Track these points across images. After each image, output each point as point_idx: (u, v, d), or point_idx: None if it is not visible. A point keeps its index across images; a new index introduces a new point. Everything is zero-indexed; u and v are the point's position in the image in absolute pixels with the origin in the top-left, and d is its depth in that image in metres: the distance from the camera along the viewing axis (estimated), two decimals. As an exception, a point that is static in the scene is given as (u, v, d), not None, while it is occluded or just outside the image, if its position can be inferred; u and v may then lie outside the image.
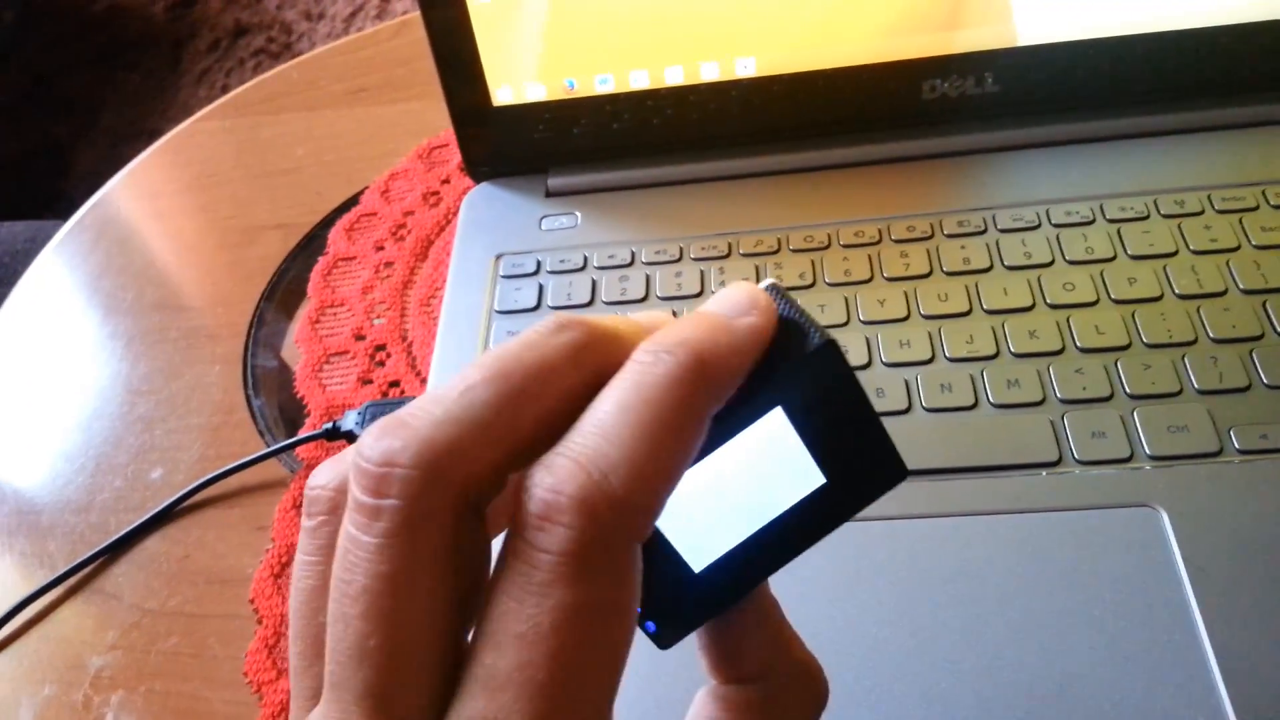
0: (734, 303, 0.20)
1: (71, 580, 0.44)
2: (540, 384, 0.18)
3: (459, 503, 0.17)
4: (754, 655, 0.21)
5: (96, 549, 0.44)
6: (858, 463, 0.21)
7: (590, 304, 0.46)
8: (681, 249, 0.48)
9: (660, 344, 0.18)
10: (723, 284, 0.46)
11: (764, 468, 0.20)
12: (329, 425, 0.46)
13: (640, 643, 0.34)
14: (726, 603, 0.21)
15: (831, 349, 0.19)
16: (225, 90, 1.81)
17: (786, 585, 0.23)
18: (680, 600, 0.21)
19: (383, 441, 0.17)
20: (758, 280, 0.32)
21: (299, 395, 0.49)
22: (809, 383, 0.20)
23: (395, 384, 0.49)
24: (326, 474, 0.19)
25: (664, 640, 0.21)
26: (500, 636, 0.16)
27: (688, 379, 0.18)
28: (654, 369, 0.18)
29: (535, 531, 0.16)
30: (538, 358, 0.18)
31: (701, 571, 0.21)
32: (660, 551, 0.20)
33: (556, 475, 0.17)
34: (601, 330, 0.19)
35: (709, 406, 0.18)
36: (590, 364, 0.19)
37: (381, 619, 0.17)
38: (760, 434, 0.20)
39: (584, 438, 0.17)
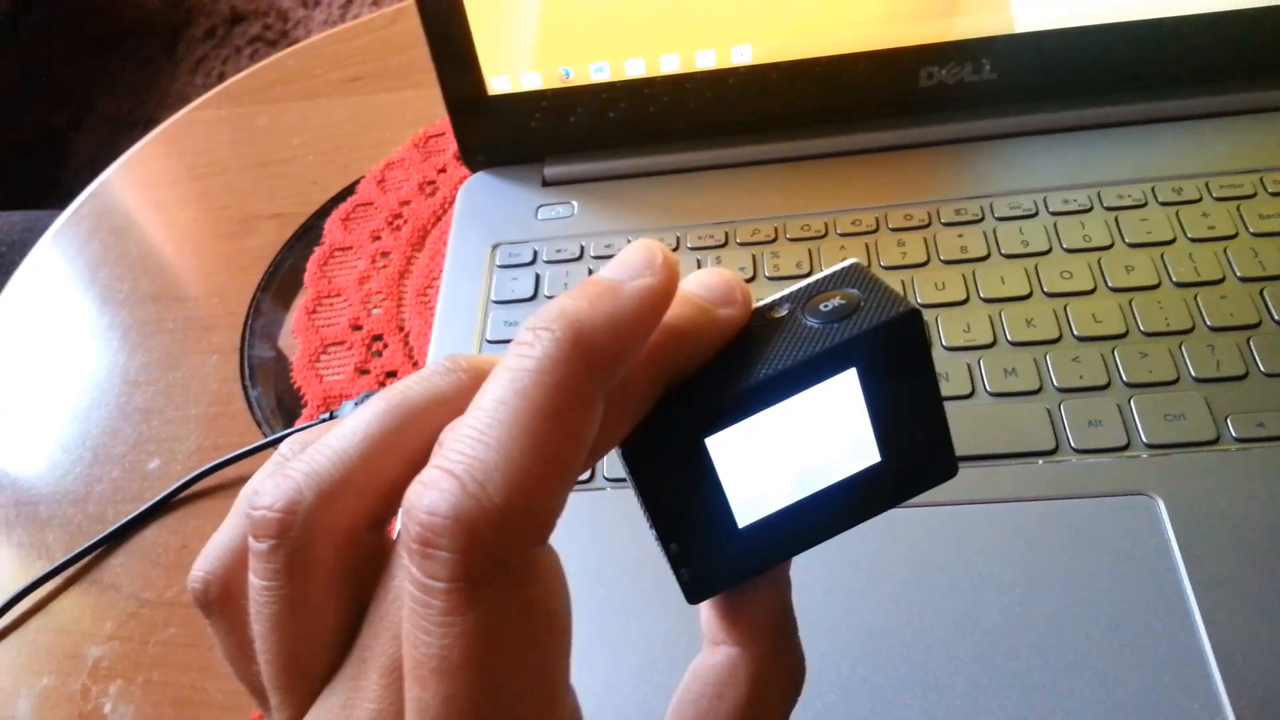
0: (628, 264, 0.19)
1: (70, 571, 0.44)
2: (423, 417, 0.19)
3: (342, 538, 0.18)
4: (753, 619, 0.21)
5: (94, 539, 0.45)
6: (913, 450, 0.21)
7: (587, 293, 0.46)
8: (678, 238, 0.48)
9: (539, 320, 0.17)
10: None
11: (825, 433, 0.20)
12: (326, 415, 0.46)
13: (634, 635, 0.33)
14: (757, 569, 0.21)
15: (916, 318, 0.19)
16: (222, 78, 1.80)
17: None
18: (717, 553, 0.20)
19: (261, 492, 0.18)
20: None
21: (296, 385, 0.49)
22: (887, 349, 0.19)
23: (392, 374, 0.49)
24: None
25: (693, 592, 0.21)
26: (421, 671, 0.16)
27: (566, 358, 0.17)
28: (530, 353, 0.17)
29: (421, 559, 0.16)
30: (422, 391, 0.19)
31: (744, 528, 0.20)
32: (712, 497, 0.20)
33: (431, 494, 0.16)
34: (489, 368, 0.19)
35: (597, 385, 0.17)
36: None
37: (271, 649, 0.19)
38: (829, 395, 0.19)
39: (461, 442, 0.16)
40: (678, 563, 0.20)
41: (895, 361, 0.19)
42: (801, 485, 0.20)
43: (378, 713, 0.17)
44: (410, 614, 0.16)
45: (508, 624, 0.16)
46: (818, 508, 0.21)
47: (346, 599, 0.19)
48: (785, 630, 0.22)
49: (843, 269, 0.21)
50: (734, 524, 0.20)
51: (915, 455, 0.21)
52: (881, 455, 0.20)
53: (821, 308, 0.20)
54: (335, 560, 0.18)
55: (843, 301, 0.20)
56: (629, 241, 0.48)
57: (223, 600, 0.20)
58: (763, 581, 0.21)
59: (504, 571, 0.16)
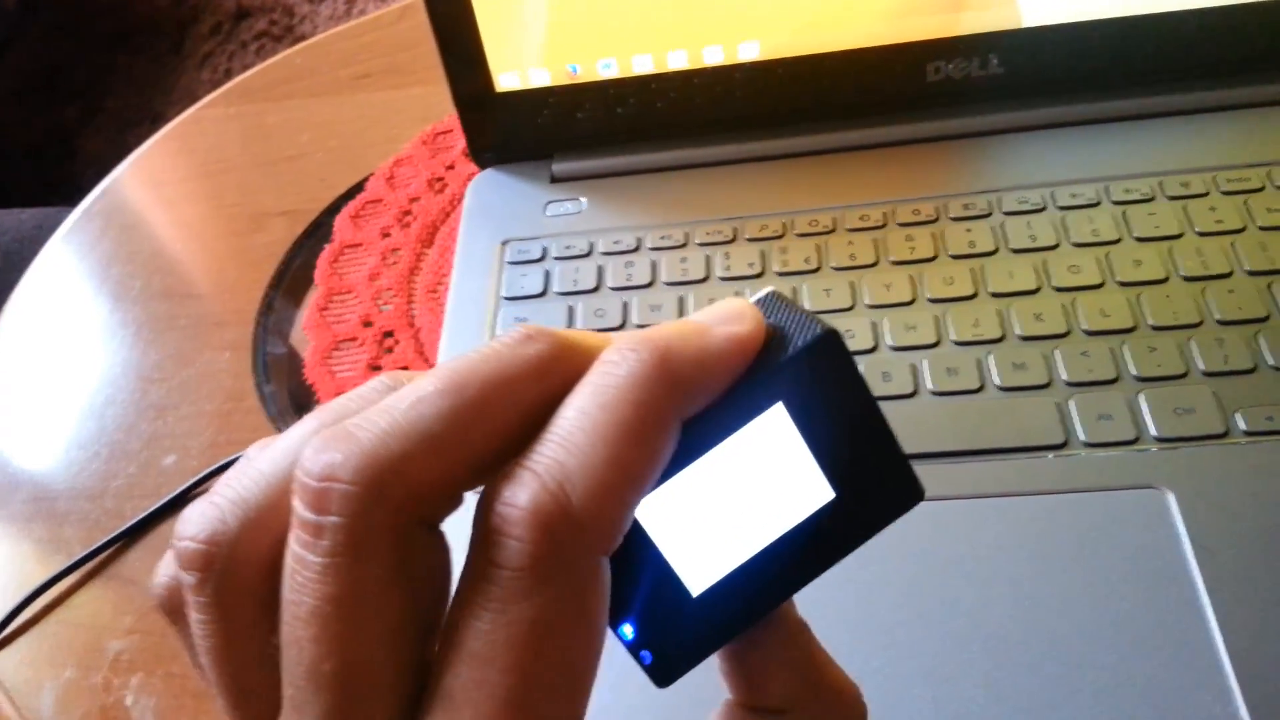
0: (719, 312, 0.19)
1: (88, 565, 0.45)
2: (497, 397, 0.17)
3: (405, 519, 0.17)
4: (780, 683, 0.20)
5: (112, 534, 0.45)
6: (869, 478, 0.20)
7: (596, 289, 0.46)
8: (687, 234, 0.48)
9: (627, 342, 0.18)
10: (728, 268, 0.46)
11: (768, 478, 0.19)
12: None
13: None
14: (729, 634, 0.20)
15: (833, 337, 0.18)
16: (229, 73, 1.80)
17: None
18: (677, 628, 0.19)
19: (324, 455, 0.16)
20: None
21: (308, 382, 0.50)
22: (811, 376, 0.18)
23: (404, 370, 0.49)
24: (196, 524, 0.17)
25: (660, 674, 0.20)
26: (458, 654, 0.16)
27: (651, 378, 0.17)
28: (617, 369, 0.17)
29: (491, 547, 0.16)
30: (496, 370, 0.17)
31: (700, 595, 0.19)
32: (655, 570, 0.19)
33: (512, 487, 0.16)
34: (569, 343, 0.18)
35: (676, 410, 0.17)
36: (556, 376, 0.18)
37: (335, 641, 0.16)
38: (763, 437, 0.19)
39: (545, 446, 0.17)
40: (636, 646, 0.19)
41: (822, 387, 0.19)
42: (754, 539, 0.19)
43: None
44: (463, 599, 0.16)
45: (557, 622, 0.16)
46: (777, 559, 0.19)
47: (407, 591, 0.17)
48: (819, 679, 0.21)
49: (758, 300, 0.20)
50: (687, 594, 0.19)
51: (873, 483, 0.20)
52: (835, 490, 0.19)
53: None
54: (394, 551, 0.17)
55: None
56: (638, 238, 0.48)
57: (230, 575, 0.17)
58: (772, 640, 0.20)
59: (567, 573, 0.16)
